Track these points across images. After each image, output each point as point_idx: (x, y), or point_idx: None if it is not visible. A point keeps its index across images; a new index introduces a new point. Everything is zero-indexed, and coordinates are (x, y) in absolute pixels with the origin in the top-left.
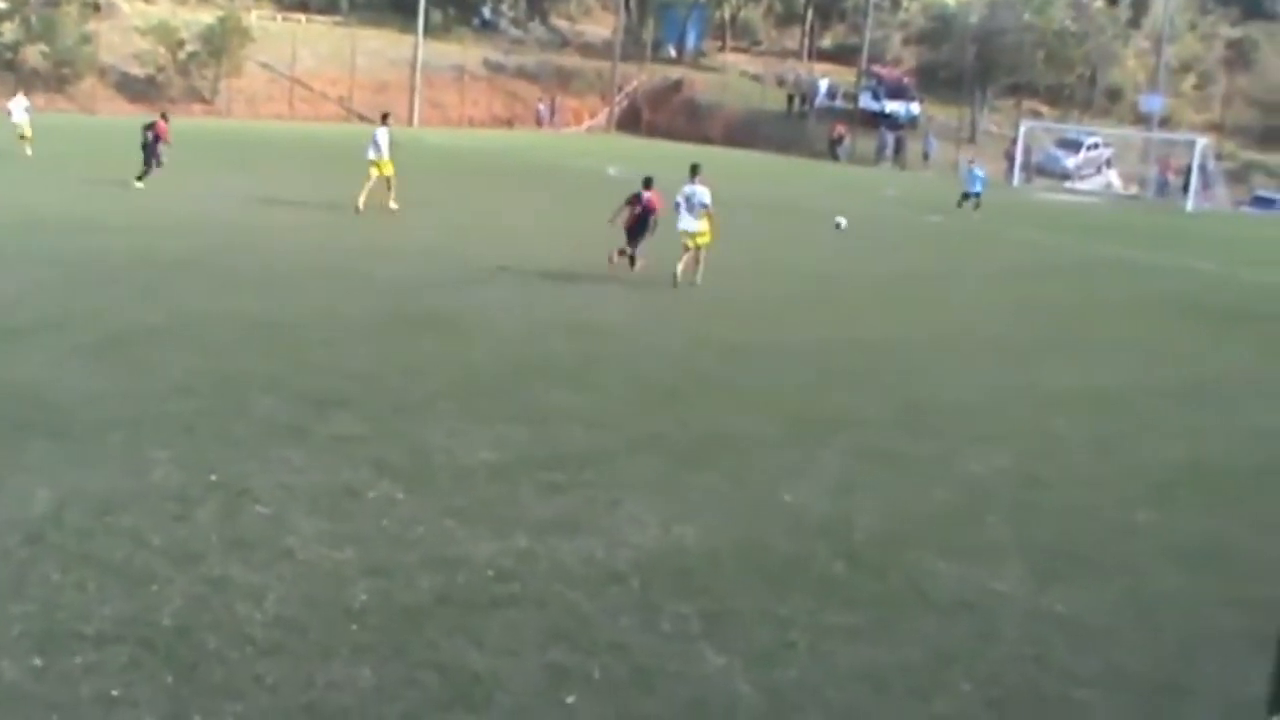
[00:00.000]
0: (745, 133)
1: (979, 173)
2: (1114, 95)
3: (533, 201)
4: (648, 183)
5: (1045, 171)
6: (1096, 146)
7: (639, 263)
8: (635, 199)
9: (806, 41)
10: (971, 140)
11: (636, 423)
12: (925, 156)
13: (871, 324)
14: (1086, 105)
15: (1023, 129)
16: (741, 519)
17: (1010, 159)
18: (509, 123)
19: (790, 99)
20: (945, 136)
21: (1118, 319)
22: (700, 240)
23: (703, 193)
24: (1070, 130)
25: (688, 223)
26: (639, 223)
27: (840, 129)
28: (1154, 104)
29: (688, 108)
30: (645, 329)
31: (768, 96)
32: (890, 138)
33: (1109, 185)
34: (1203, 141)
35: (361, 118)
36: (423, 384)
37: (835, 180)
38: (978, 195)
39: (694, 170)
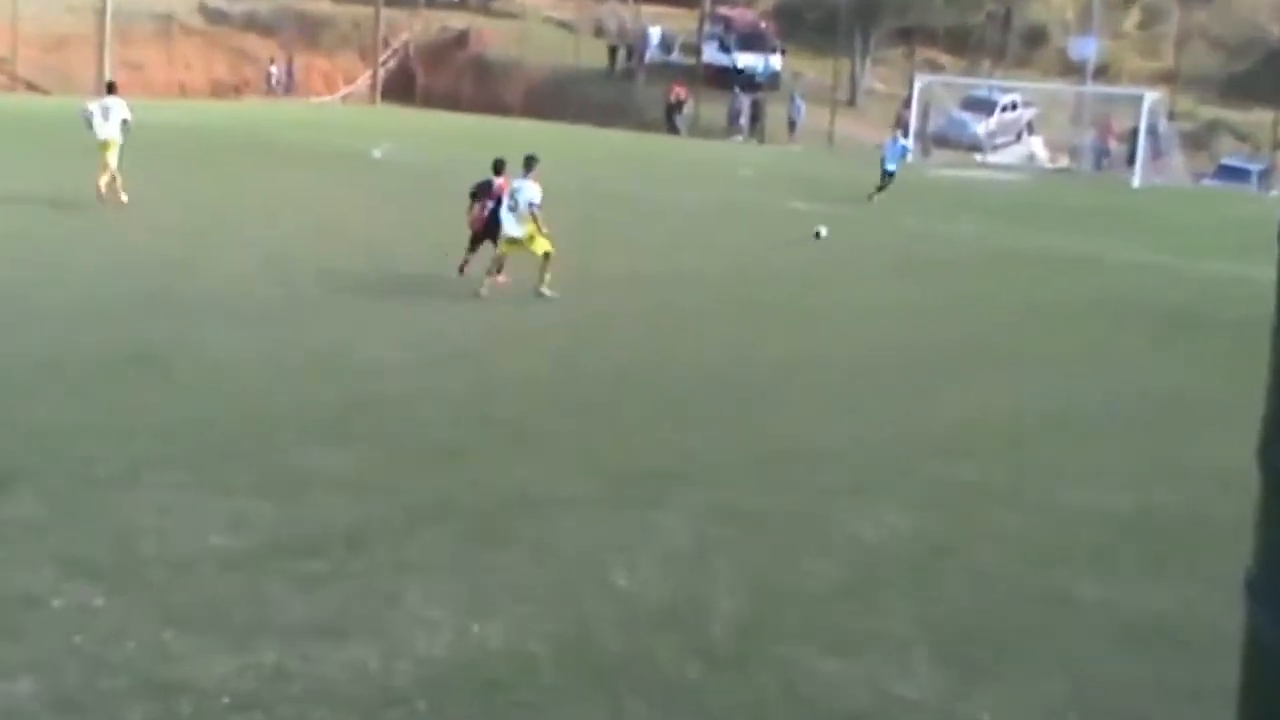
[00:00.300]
0: (553, 99)
1: (903, 143)
2: (1035, 39)
3: (277, 196)
4: (498, 167)
5: (948, 141)
6: (1014, 107)
7: (495, 279)
8: (484, 189)
9: None
10: (851, 103)
11: (417, 487)
12: (791, 125)
13: (722, 343)
14: (1000, 53)
15: (917, 86)
16: (560, 610)
17: (902, 126)
18: (236, 90)
19: (612, 53)
20: (817, 99)
21: (1040, 328)
22: (535, 247)
23: (530, 190)
24: (980, 86)
25: (509, 225)
26: (491, 221)
27: (679, 91)
28: (1087, 49)
29: (476, 68)
30: (428, 364)
31: (583, 50)
32: (745, 101)
33: (1032, 157)
34: (1152, 96)
35: (31, 86)
36: (128, 447)
37: (675, 159)
38: (891, 174)
39: (528, 163)
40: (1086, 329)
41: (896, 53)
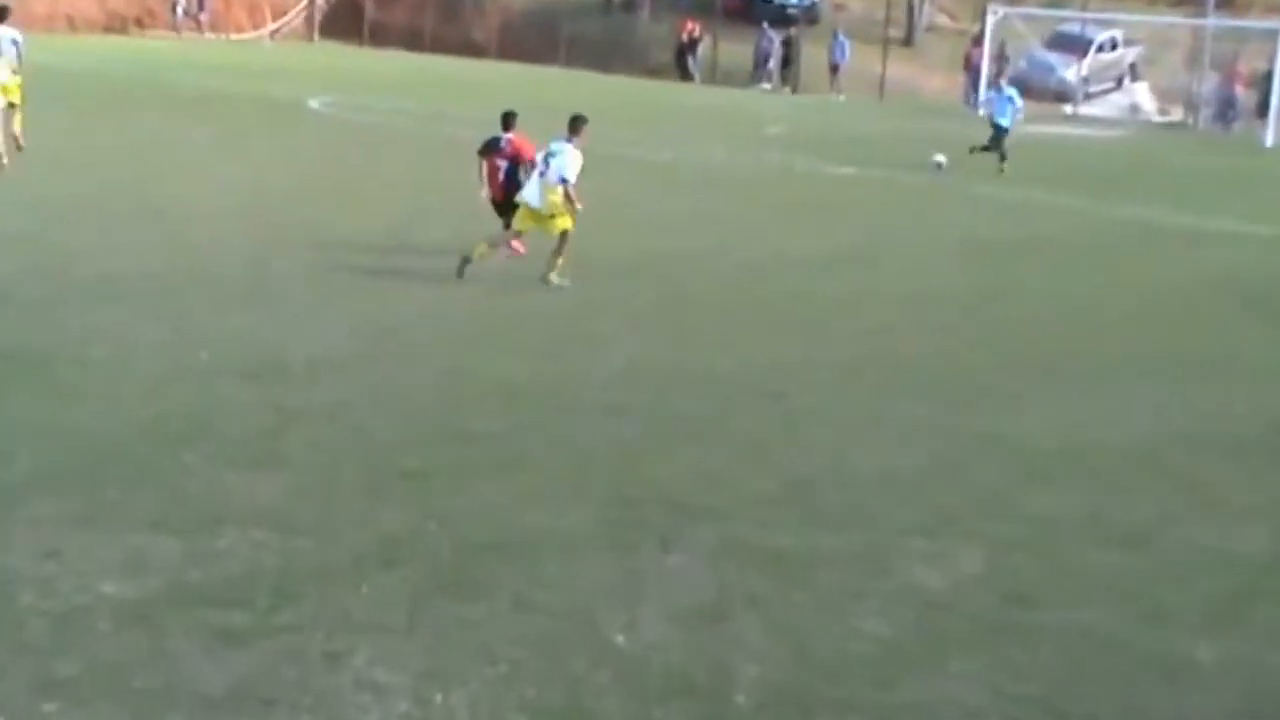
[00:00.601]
0: (537, 38)
1: (1009, 92)
2: None
3: (189, 157)
4: (508, 120)
5: (1030, 89)
6: (1114, 46)
7: (504, 249)
8: (493, 147)
9: None
10: (907, 42)
11: (365, 521)
12: (833, 70)
13: (746, 341)
14: None
15: (990, 19)
16: (544, 675)
17: (973, 70)
18: (137, 24)
19: None
20: (865, 37)
21: (1148, 323)
22: (553, 226)
23: (569, 159)
24: (1069, 20)
25: (530, 193)
26: (508, 183)
27: (692, 28)
28: None
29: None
30: (380, 364)
31: None
32: (775, 40)
33: (1135, 108)
34: None
35: None
36: None
37: (687, 112)
38: (1004, 131)
39: (575, 124)
40: (1208, 325)
41: None
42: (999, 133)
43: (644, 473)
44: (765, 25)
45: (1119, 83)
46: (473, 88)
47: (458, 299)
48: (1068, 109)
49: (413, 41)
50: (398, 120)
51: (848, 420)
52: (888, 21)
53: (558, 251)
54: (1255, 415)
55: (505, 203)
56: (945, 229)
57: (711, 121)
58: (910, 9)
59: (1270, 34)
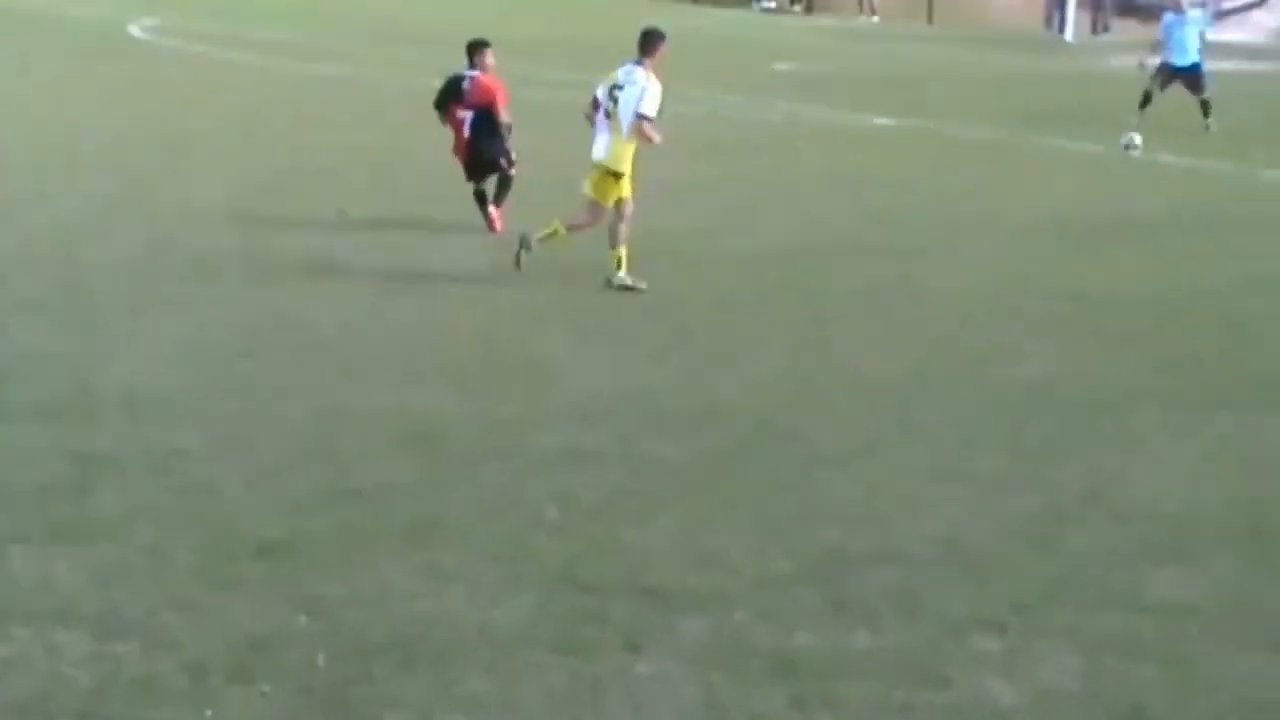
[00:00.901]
0: None
1: (1195, 17)
2: None
3: None
4: (474, 52)
5: (1137, 7)
6: None
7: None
8: (453, 93)
9: None
10: None
11: (206, 617)
12: None
13: (741, 361)
14: None
15: None
16: None
17: None
18: None
19: None
20: None
21: None
22: (608, 186)
23: (646, 89)
24: None
25: (599, 145)
26: (476, 138)
27: None
28: None
29: None
30: (227, 395)
31: None
32: None
33: None
34: None
35: None
36: None
37: (670, 41)
38: (1199, 72)
39: (646, 41)
40: None
41: None
42: (1190, 77)
43: (606, 545)
44: None
45: None
46: (353, 7)
47: (341, 304)
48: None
49: None
50: (250, 53)
51: (890, 470)
52: None
53: (616, 234)
54: None
55: (474, 163)
56: (1023, 203)
57: (696, 55)
58: None
59: None
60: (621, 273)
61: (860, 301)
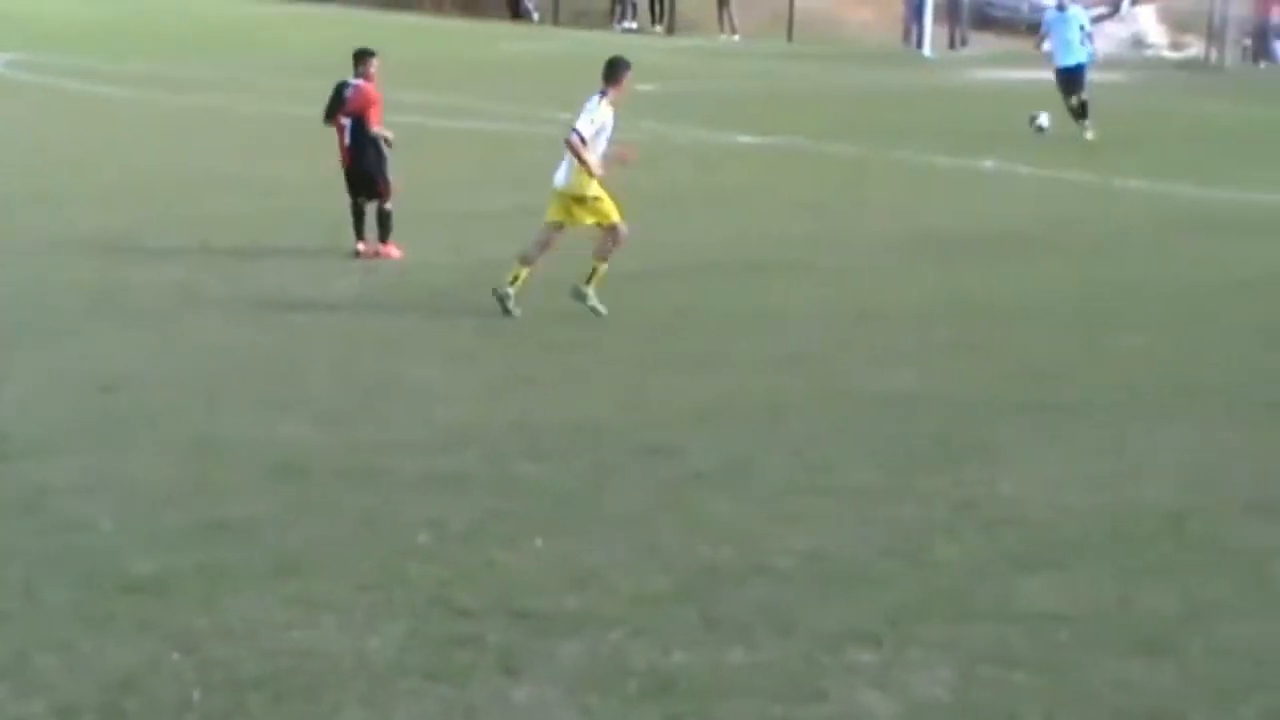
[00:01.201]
0: None
1: (1074, 14)
2: None
3: None
4: (359, 59)
5: (994, 19)
6: None
7: (364, 248)
8: (338, 100)
9: None
10: None
11: (77, 655)
12: (721, 2)
13: (612, 382)
14: None
15: None
16: None
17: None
18: None
19: None
20: None
21: (1163, 345)
22: (591, 213)
23: (586, 109)
24: None
25: (559, 170)
26: (354, 147)
27: None
28: None
29: None
30: (94, 432)
31: None
32: None
33: (1139, 41)
34: None
35: None
36: None
37: (523, 64)
38: (1079, 74)
39: (611, 71)
40: (1260, 346)
41: None
42: (1071, 77)
43: (479, 569)
44: None
45: (1115, 6)
46: (218, 38)
47: (207, 335)
48: (1046, 45)
49: None
50: (117, 86)
51: (762, 485)
52: None
53: (601, 253)
54: None
55: (353, 173)
56: (886, 220)
57: (558, 77)
58: None
59: None
60: (591, 290)
61: (726, 318)
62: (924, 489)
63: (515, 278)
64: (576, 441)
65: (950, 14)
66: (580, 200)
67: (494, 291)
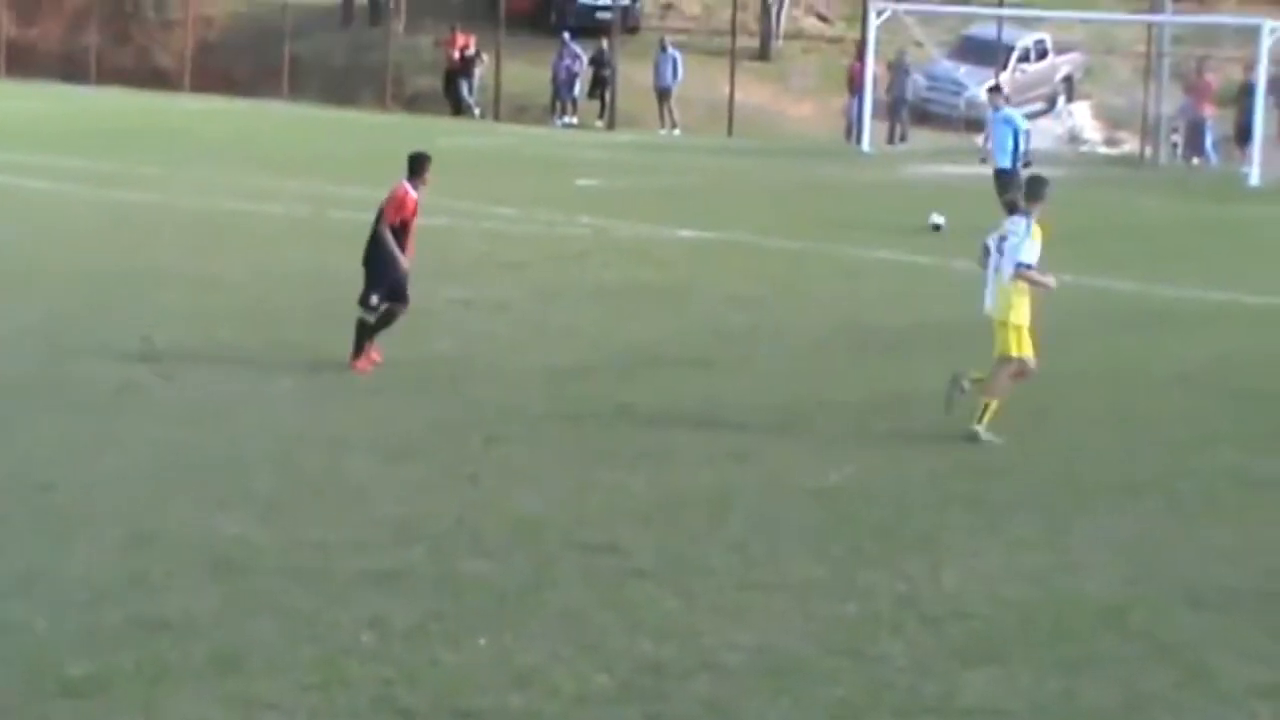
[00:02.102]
0: (250, 64)
1: (1007, 111)
2: None
3: None
4: (415, 164)
5: (930, 114)
6: (1042, 54)
7: (369, 357)
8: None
9: None
10: (762, 55)
11: None
12: (662, 95)
13: (551, 477)
14: None
15: (874, 20)
16: None
17: (857, 92)
18: None
19: None
20: (703, 50)
21: (1101, 435)
22: (1008, 338)
23: (1026, 239)
24: (981, 18)
25: (989, 299)
26: (371, 242)
27: (465, 44)
28: None
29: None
30: (27, 529)
31: None
32: (580, 57)
33: (1075, 136)
34: (1278, 29)
35: None
36: None
37: (463, 158)
38: (1010, 176)
39: (1031, 190)
40: (1192, 435)
41: None
42: (1004, 179)
43: (422, 669)
44: (566, 37)
45: (1051, 103)
46: (159, 132)
47: (146, 431)
48: (982, 140)
49: (72, 70)
50: (53, 181)
51: (704, 581)
52: (735, 26)
53: (997, 390)
54: (1260, 555)
55: (368, 265)
56: (826, 313)
57: (498, 171)
58: (765, 9)
59: (1247, 32)
60: (983, 426)
61: (669, 413)
62: (867, 583)
63: (985, 413)
64: (519, 538)
65: (890, 110)
66: (1009, 326)
67: (966, 434)
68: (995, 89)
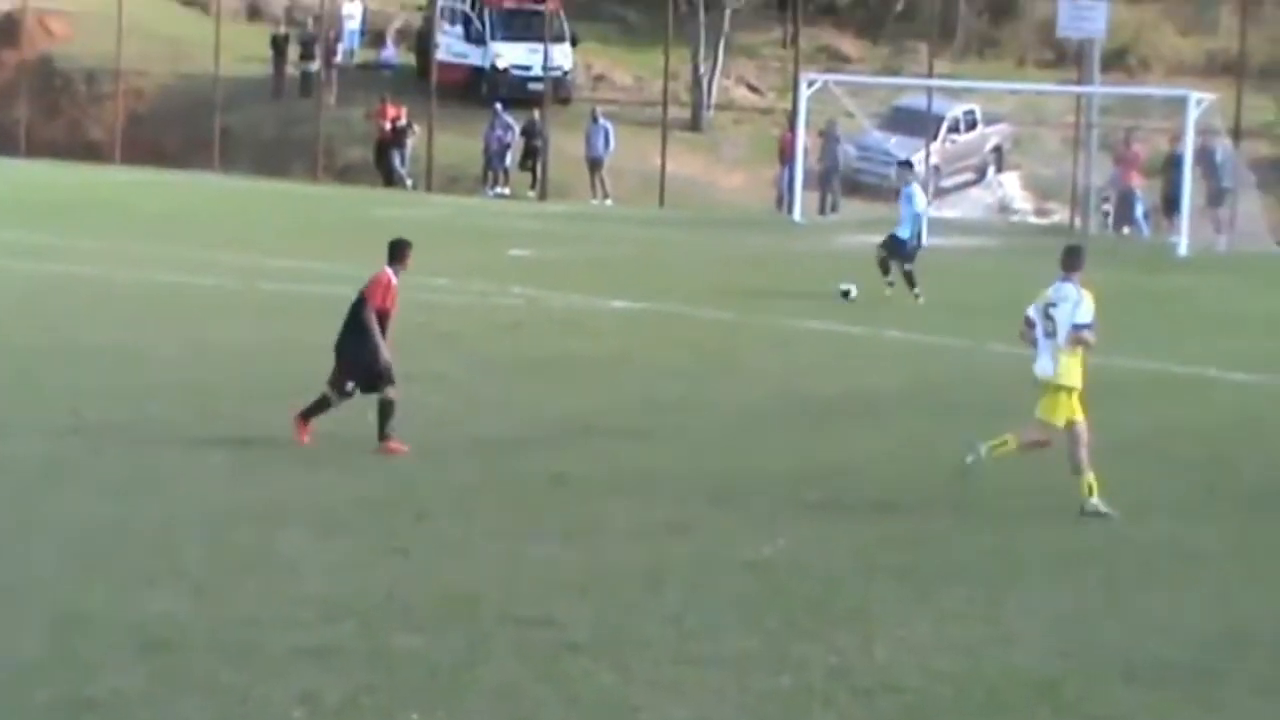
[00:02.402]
0: (180, 136)
1: (914, 194)
2: (1002, 7)
3: None
4: (395, 252)
5: (861, 184)
6: (973, 124)
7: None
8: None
9: None
10: (694, 125)
11: None
12: (593, 167)
13: (484, 550)
14: (944, 31)
15: (805, 90)
16: None
17: (788, 162)
18: None
19: (278, 48)
20: (635, 119)
21: (1037, 508)
22: (1058, 403)
23: (1081, 301)
24: (911, 89)
25: (1042, 363)
26: (348, 337)
27: (396, 113)
28: (1089, 21)
29: (38, 79)
30: None
31: (229, 45)
32: (512, 128)
33: (1004, 207)
34: (1203, 100)
35: None
36: None
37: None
38: (905, 246)
39: (1070, 257)
40: (1133, 505)
41: (769, 37)
42: (898, 248)
43: None
44: (498, 108)
45: (981, 173)
46: (87, 206)
47: (76, 506)
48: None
49: (2, 142)
50: None
51: (639, 655)
52: (667, 98)
53: (1078, 461)
54: (1194, 628)
55: (342, 349)
56: (758, 383)
57: (432, 242)
58: (696, 79)
59: (1174, 103)
60: (1094, 499)
61: (602, 485)
62: (800, 656)
63: (1090, 489)
64: (451, 613)
65: (822, 180)
66: (1065, 390)
67: (1083, 510)
68: (906, 164)
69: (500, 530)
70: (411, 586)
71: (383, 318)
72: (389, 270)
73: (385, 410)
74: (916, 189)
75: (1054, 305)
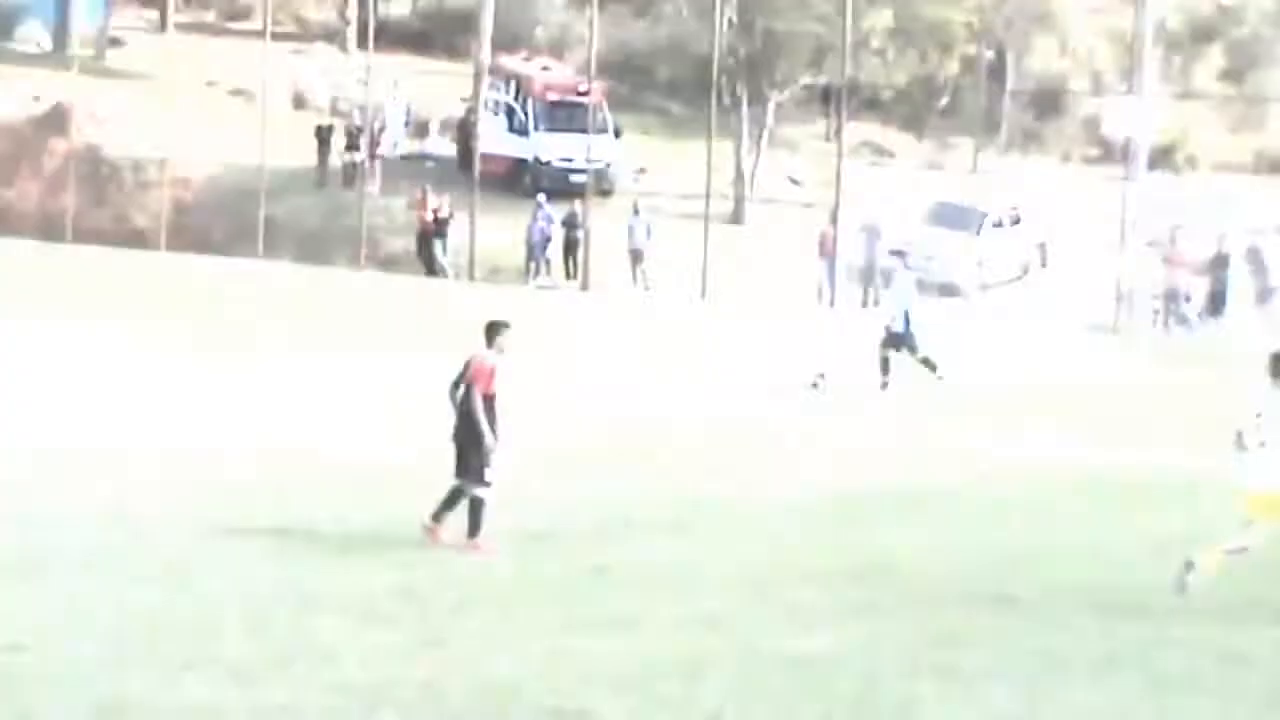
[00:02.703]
0: (225, 224)
1: (903, 286)
2: (1047, 103)
3: None
4: (491, 332)
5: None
6: (1016, 220)
7: (439, 533)
8: (464, 374)
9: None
10: (736, 218)
11: None
12: (634, 259)
13: (522, 640)
14: (988, 127)
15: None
16: None
17: (829, 257)
18: None
19: (323, 139)
20: (676, 213)
21: (1091, 610)
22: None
23: None
24: (949, 188)
25: (1257, 475)
26: (459, 416)
27: (438, 204)
28: (1133, 120)
29: (86, 168)
30: (13, 690)
31: (275, 134)
32: (552, 220)
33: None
34: (1250, 198)
35: None
36: None
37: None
38: (901, 339)
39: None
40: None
41: (812, 130)
42: (900, 341)
43: None
44: (540, 200)
45: (1024, 271)
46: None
47: (117, 595)
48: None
49: (49, 229)
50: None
51: None
52: (709, 190)
53: (1230, 546)
54: None
55: (457, 441)
56: (797, 478)
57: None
58: (740, 174)
59: (1221, 202)
60: (1196, 575)
61: (641, 577)
62: None
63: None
64: (487, 705)
65: (863, 276)
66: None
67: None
68: (898, 253)
69: (538, 622)
70: (449, 676)
71: (489, 404)
72: (487, 353)
73: (476, 509)
74: (901, 277)
75: (1259, 416)
